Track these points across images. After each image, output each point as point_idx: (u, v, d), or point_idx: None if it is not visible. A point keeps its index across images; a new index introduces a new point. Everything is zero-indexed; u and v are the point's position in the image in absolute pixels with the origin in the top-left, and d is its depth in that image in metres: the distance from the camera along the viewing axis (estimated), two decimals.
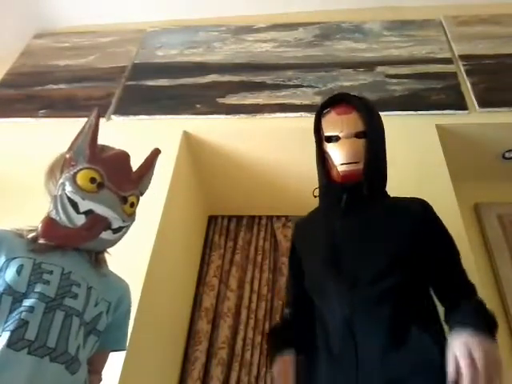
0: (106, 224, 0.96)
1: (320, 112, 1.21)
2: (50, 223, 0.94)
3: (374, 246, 1.04)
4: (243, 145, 2.01)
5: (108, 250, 1.07)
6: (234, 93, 2.05)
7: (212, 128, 1.97)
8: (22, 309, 0.82)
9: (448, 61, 2.07)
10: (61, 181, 0.96)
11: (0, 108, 2.15)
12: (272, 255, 2.31)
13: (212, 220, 2.47)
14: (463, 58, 2.07)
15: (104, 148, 1.05)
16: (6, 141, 2.06)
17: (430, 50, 2.13)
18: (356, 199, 1.10)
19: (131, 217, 1.04)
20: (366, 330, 0.95)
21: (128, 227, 1.05)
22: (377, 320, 0.95)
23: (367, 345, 0.93)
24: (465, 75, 2.00)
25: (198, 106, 2.02)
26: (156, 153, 1.14)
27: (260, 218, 2.44)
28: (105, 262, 1.07)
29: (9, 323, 0.80)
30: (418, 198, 1.14)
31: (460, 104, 1.89)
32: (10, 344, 0.77)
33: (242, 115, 1.97)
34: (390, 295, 0.97)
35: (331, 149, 1.14)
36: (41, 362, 0.79)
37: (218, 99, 2.03)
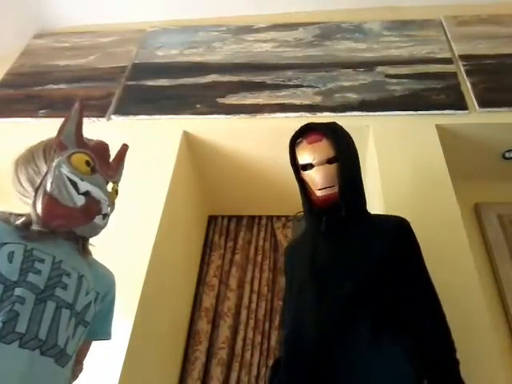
0: (98, 208, 0.97)
1: (293, 143, 1.28)
2: (52, 201, 0.92)
3: (349, 269, 1.07)
4: (243, 145, 2.01)
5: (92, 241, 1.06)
6: (233, 93, 2.05)
7: (212, 128, 1.97)
8: (13, 299, 0.80)
9: (448, 61, 2.07)
10: (54, 163, 0.95)
11: (0, 108, 2.15)
12: (272, 255, 2.32)
13: (212, 220, 2.47)
14: (463, 58, 2.07)
15: (87, 137, 1.06)
16: (6, 141, 2.06)
17: (430, 49, 2.13)
18: (335, 221, 1.14)
19: (114, 205, 1.05)
20: (342, 355, 0.95)
21: (109, 216, 1.05)
22: (353, 344, 0.96)
23: (343, 369, 0.94)
24: (465, 75, 2.00)
25: (197, 105, 2.02)
26: (125, 148, 1.16)
27: (260, 217, 2.45)
28: (90, 251, 1.07)
29: (0, 314, 0.78)
30: (396, 217, 1.18)
31: (460, 104, 1.88)
32: (0, 337, 0.75)
33: (242, 115, 1.97)
34: (365, 319, 0.98)
35: (307, 176, 1.21)
36: (32, 355, 0.77)
37: (217, 99, 2.03)
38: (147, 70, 2.25)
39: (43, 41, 2.54)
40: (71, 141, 1.00)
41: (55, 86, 2.22)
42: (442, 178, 1.64)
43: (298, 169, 1.25)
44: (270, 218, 2.45)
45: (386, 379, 0.90)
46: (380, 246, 1.09)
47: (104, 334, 1.08)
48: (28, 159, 1.02)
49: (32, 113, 2.10)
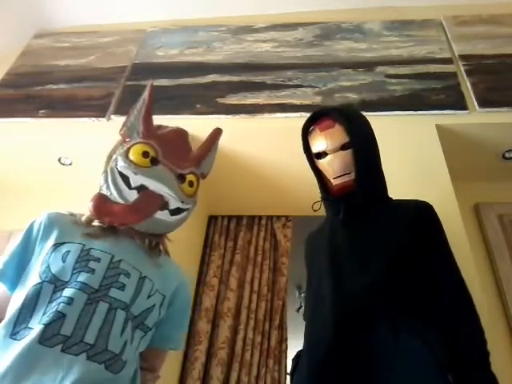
0: (161, 202, 0.91)
1: (305, 131, 1.23)
2: (100, 198, 0.90)
3: (370, 256, 1.03)
4: (243, 145, 2.00)
5: (168, 236, 1.01)
6: (234, 93, 2.05)
7: (212, 128, 1.96)
8: (60, 300, 0.76)
9: (448, 61, 2.07)
10: (114, 156, 0.92)
11: (0, 108, 2.15)
12: (272, 255, 2.32)
13: (212, 220, 2.47)
14: (463, 58, 2.07)
15: (161, 126, 1.02)
16: (5, 141, 2.06)
17: (430, 49, 2.13)
18: (354, 209, 1.10)
19: (191, 198, 0.97)
20: (363, 346, 0.93)
21: (189, 211, 0.98)
22: (374, 336, 0.93)
23: (364, 361, 0.91)
24: (465, 75, 2.00)
25: (197, 105, 2.02)
26: (217, 132, 1.11)
27: (260, 218, 2.45)
28: (165, 251, 1.01)
29: (45, 315, 0.74)
30: (417, 201, 1.13)
31: (460, 104, 1.88)
32: (42, 339, 0.71)
33: (242, 115, 1.97)
34: (385, 308, 0.95)
35: (322, 165, 1.17)
36: (76, 361, 0.71)
37: (217, 99, 2.03)
38: (147, 69, 2.25)
39: (43, 41, 2.54)
40: (136, 131, 0.96)
41: (55, 86, 2.22)
42: (442, 178, 1.64)
43: (311, 157, 1.20)
44: (269, 218, 2.44)
45: (407, 369, 0.87)
46: (401, 232, 1.05)
47: (175, 342, 1.00)
48: (108, 158, 0.98)
49: (32, 113, 2.10)
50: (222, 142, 1.98)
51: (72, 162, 2.10)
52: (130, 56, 2.34)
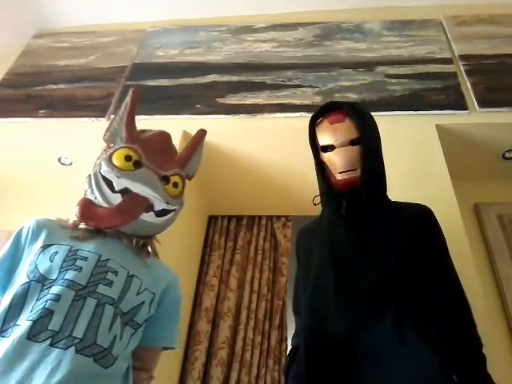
0: (146, 204, 0.92)
1: (313, 122, 1.20)
2: (85, 203, 0.91)
3: (373, 256, 1.03)
4: (243, 145, 2.00)
5: (157, 238, 1.04)
6: (234, 93, 2.05)
7: (212, 128, 1.95)
8: (47, 297, 0.77)
9: (448, 61, 2.07)
10: (98, 161, 0.93)
11: (0, 108, 2.15)
12: (272, 255, 2.32)
13: (212, 220, 2.47)
14: (463, 58, 2.07)
15: (144, 130, 1.03)
16: (5, 141, 2.06)
17: (430, 50, 2.13)
18: (356, 206, 1.09)
19: (177, 199, 0.99)
20: (365, 346, 0.93)
21: (176, 212, 1.00)
22: (376, 335, 0.93)
23: (367, 361, 0.91)
24: (465, 75, 2.00)
25: (197, 105, 2.02)
26: (202, 133, 1.11)
27: (260, 217, 2.45)
28: (153, 252, 1.03)
29: (32, 312, 0.76)
30: (419, 205, 1.13)
31: (460, 104, 1.88)
32: (30, 335, 0.73)
33: (241, 115, 1.97)
34: (389, 308, 0.95)
35: (327, 158, 1.15)
36: (64, 355, 0.73)
37: (217, 99, 2.03)
38: (147, 69, 2.25)
39: (43, 41, 2.54)
40: (119, 136, 0.97)
41: (55, 86, 2.22)
42: (442, 177, 1.64)
43: (317, 149, 1.18)
44: (269, 218, 2.44)
45: (411, 370, 0.87)
46: (403, 233, 1.05)
47: (168, 340, 0.99)
48: (94, 165, 0.99)
49: (32, 113, 2.10)
50: (223, 142, 2.00)
51: (72, 162, 2.10)
52: (130, 56, 2.34)
